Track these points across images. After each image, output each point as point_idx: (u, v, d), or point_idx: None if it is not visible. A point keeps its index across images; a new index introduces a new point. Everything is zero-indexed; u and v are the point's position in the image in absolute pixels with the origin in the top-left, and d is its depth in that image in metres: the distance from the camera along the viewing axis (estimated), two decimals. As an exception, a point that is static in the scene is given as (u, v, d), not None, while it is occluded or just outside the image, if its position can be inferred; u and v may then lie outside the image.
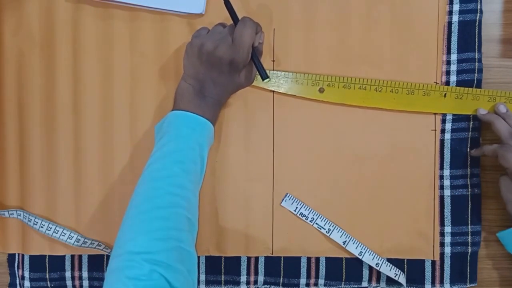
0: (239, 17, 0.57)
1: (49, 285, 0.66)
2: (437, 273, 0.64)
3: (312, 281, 0.64)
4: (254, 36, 0.57)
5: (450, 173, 0.63)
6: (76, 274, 0.65)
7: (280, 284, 0.64)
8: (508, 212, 0.58)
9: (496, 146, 0.58)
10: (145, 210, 0.51)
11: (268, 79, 0.58)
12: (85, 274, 0.65)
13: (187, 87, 0.58)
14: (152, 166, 0.54)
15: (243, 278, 0.65)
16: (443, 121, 0.63)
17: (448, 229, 0.64)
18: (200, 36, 0.58)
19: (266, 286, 0.65)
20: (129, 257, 0.47)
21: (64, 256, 0.65)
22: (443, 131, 0.63)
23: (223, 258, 0.64)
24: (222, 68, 0.57)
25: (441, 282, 0.64)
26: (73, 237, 0.63)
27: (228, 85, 0.59)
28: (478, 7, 0.62)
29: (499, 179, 0.59)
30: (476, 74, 0.62)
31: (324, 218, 0.63)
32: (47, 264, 0.65)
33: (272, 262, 0.64)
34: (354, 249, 0.62)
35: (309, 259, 0.64)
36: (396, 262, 0.63)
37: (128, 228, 0.50)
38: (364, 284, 0.64)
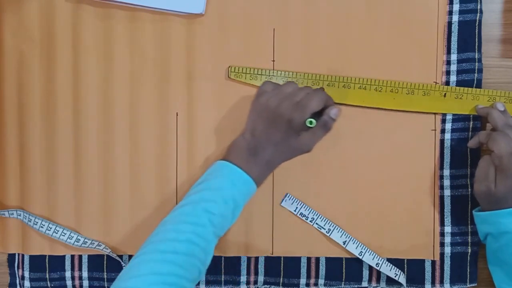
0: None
1: (49, 285, 0.66)
2: (437, 273, 0.64)
3: (312, 281, 0.64)
4: (321, 105, 0.56)
5: (450, 173, 0.63)
6: (76, 274, 0.65)
7: (280, 284, 0.64)
8: (474, 191, 0.59)
9: (491, 132, 0.58)
10: (162, 250, 0.51)
11: (312, 125, 0.56)
12: (85, 274, 0.65)
13: (242, 141, 0.58)
14: (182, 208, 0.54)
15: (243, 278, 0.65)
16: (443, 121, 0.63)
17: (448, 229, 0.64)
18: (265, 93, 0.58)
19: (266, 286, 0.65)
20: None
21: (64, 256, 0.65)
22: (443, 131, 0.63)
23: (223, 258, 0.64)
24: (280, 125, 0.56)
25: (441, 282, 0.64)
26: (73, 237, 0.63)
27: (283, 146, 0.58)
28: (478, 7, 0.62)
29: (481, 158, 0.59)
30: (476, 74, 0.62)
31: (324, 218, 0.63)
32: (47, 264, 0.65)
33: (272, 262, 0.64)
34: (354, 249, 0.63)
35: (309, 259, 0.64)
36: (396, 262, 0.63)
37: (140, 263, 0.50)
38: (364, 284, 0.64)
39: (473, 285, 0.64)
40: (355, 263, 0.64)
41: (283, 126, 0.56)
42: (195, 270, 0.52)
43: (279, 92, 0.57)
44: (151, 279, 0.48)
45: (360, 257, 0.62)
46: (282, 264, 0.64)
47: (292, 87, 0.58)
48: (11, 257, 0.66)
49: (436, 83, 0.62)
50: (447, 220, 0.63)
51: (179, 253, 0.51)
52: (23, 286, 0.66)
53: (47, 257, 0.65)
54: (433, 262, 0.64)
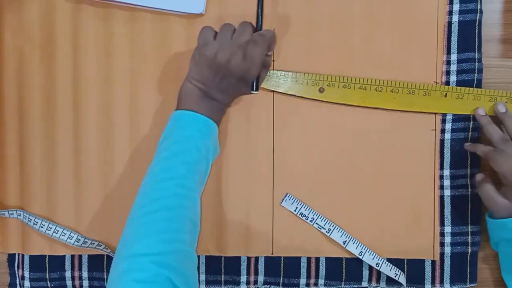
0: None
1: (49, 285, 0.66)
2: (437, 273, 0.64)
3: (312, 281, 0.64)
4: (266, 52, 0.57)
5: (450, 173, 0.63)
6: (76, 274, 0.66)
7: (280, 284, 0.64)
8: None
9: (489, 150, 0.58)
10: (151, 211, 0.51)
11: (256, 92, 0.58)
12: (85, 274, 0.65)
13: (193, 88, 0.58)
14: (158, 167, 0.54)
15: (243, 278, 0.65)
16: (443, 121, 0.63)
17: (448, 229, 0.64)
18: (209, 44, 0.57)
19: (266, 286, 0.65)
20: (135, 259, 0.47)
21: (64, 256, 0.65)
22: (443, 131, 0.63)
23: (223, 258, 0.64)
24: (231, 80, 0.57)
25: (441, 282, 0.64)
26: (73, 237, 0.63)
27: (235, 93, 0.60)
28: (478, 7, 0.62)
29: (475, 176, 0.61)
30: (476, 74, 0.62)
31: (324, 218, 0.63)
32: (47, 264, 0.65)
33: (272, 262, 0.64)
34: (354, 249, 0.63)
35: (309, 259, 0.64)
36: (396, 262, 0.63)
37: (134, 229, 0.50)
38: (364, 284, 0.64)
39: (473, 285, 0.64)
40: (355, 263, 0.64)
41: (235, 80, 0.57)
42: (188, 222, 0.52)
43: (222, 41, 0.56)
44: (149, 241, 0.49)
45: (360, 257, 0.62)
46: (282, 264, 0.64)
47: (231, 30, 0.57)
48: (11, 257, 0.66)
49: (436, 83, 0.62)
50: (447, 220, 0.63)
51: (169, 209, 0.51)
52: (23, 286, 0.66)
53: (47, 257, 0.65)
54: (433, 262, 0.64)
